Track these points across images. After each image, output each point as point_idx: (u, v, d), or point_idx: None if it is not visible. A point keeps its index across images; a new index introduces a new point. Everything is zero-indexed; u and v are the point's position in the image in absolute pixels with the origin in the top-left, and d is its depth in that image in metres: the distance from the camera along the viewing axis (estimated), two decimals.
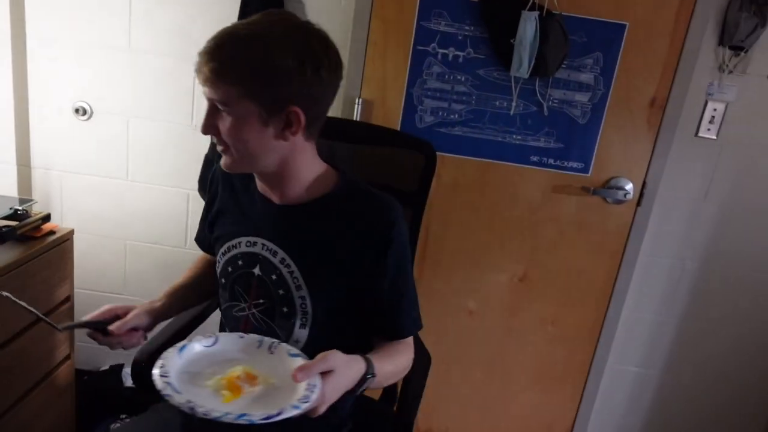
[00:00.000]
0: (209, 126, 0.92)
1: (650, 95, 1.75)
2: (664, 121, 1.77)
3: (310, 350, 0.99)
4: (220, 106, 0.90)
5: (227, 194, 1.10)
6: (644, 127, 1.78)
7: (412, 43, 1.71)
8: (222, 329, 1.18)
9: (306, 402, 0.77)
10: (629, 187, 1.82)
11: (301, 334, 1.02)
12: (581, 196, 1.85)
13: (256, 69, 0.86)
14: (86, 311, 1.97)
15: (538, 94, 1.74)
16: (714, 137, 1.79)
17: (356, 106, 1.76)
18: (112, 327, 1.00)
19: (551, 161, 1.81)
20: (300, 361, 0.86)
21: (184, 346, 0.89)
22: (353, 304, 1.02)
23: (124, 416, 1.79)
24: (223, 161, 0.97)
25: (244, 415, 0.74)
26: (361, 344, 1.00)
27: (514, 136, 1.79)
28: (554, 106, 1.76)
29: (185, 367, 0.86)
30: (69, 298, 1.60)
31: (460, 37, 1.71)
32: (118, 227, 1.91)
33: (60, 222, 1.79)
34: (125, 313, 1.03)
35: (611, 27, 1.69)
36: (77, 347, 1.72)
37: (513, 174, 1.83)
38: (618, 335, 1.98)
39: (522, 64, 1.65)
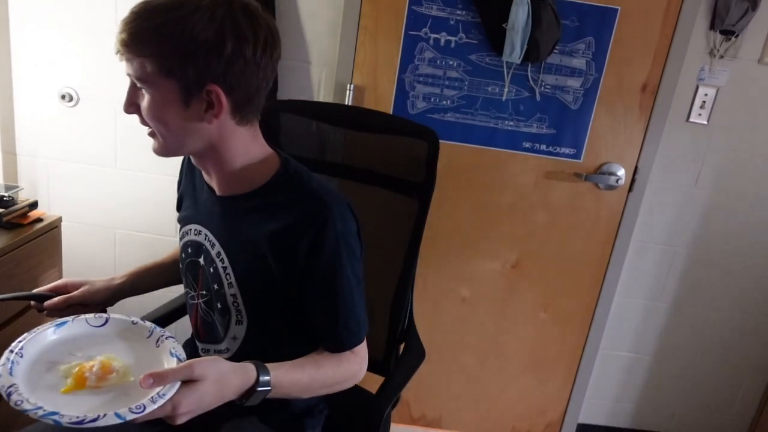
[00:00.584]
0: (130, 104, 0.87)
1: (642, 80, 1.76)
2: (656, 106, 1.77)
3: (248, 348, 0.97)
4: (138, 83, 0.84)
5: (187, 179, 1.07)
6: (636, 113, 1.79)
7: (403, 27, 1.70)
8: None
9: (137, 413, 0.68)
10: (621, 173, 1.82)
11: (238, 330, 0.97)
12: (573, 182, 1.85)
13: (172, 41, 0.79)
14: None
15: (530, 80, 1.74)
16: (705, 122, 1.79)
17: (347, 92, 1.75)
18: (48, 302, 0.97)
19: (543, 147, 1.81)
20: (173, 363, 0.79)
21: (64, 322, 0.83)
22: (288, 306, 0.94)
23: None
24: (152, 145, 0.90)
25: (54, 413, 0.67)
26: (302, 349, 0.93)
27: (507, 122, 1.79)
28: (546, 92, 1.75)
29: (55, 345, 0.80)
30: None
31: (452, 22, 1.69)
32: (107, 216, 1.88)
33: (47, 210, 1.76)
34: (77, 288, 1.00)
35: (603, 11, 1.68)
36: None
37: (505, 160, 1.83)
38: (610, 321, 1.99)
39: (514, 49, 1.64)
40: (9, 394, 0.69)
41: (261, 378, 0.81)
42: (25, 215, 1.44)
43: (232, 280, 0.94)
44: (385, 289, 1.25)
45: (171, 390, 0.71)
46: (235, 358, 0.95)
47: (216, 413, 0.95)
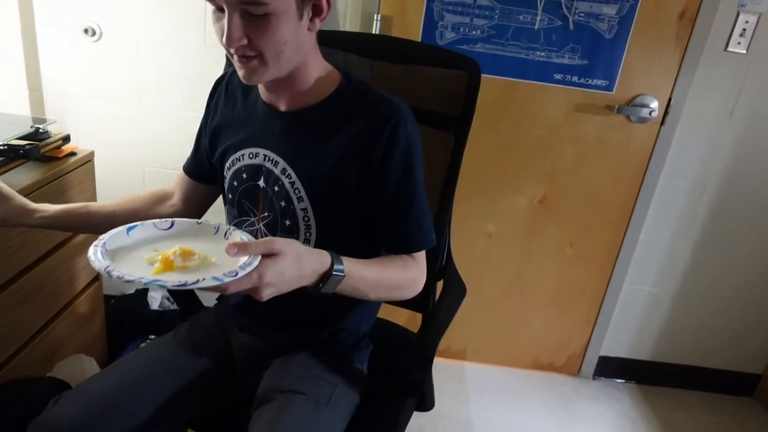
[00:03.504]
0: (241, 36, 0.82)
1: (680, 7, 1.69)
2: (693, 35, 1.71)
3: None
4: (254, 9, 0.80)
5: (228, 108, 1.05)
6: (672, 42, 1.73)
7: None
8: None
9: (232, 276, 0.71)
10: (654, 105, 1.78)
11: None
12: (604, 115, 1.81)
13: None
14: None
15: (564, 7, 1.68)
16: (744, 52, 1.73)
17: (374, 22, 1.70)
18: None
19: (575, 79, 1.77)
20: (190, 223, 0.86)
21: (134, 226, 0.85)
22: (357, 214, 0.95)
23: (152, 336, 1.84)
24: (246, 72, 0.87)
25: (156, 280, 0.72)
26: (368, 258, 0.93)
27: (538, 53, 1.74)
28: (580, 20, 1.70)
29: (130, 245, 0.82)
30: None
31: None
32: (135, 152, 1.89)
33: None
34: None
35: None
36: None
37: (535, 92, 1.79)
38: (635, 256, 2.00)
39: None
40: (110, 272, 0.72)
41: (335, 264, 0.82)
42: (59, 148, 1.44)
43: (303, 194, 0.94)
44: None
45: (255, 260, 0.74)
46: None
47: (269, 351, 1.03)
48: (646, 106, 1.78)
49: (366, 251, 0.94)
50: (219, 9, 0.83)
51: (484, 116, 1.82)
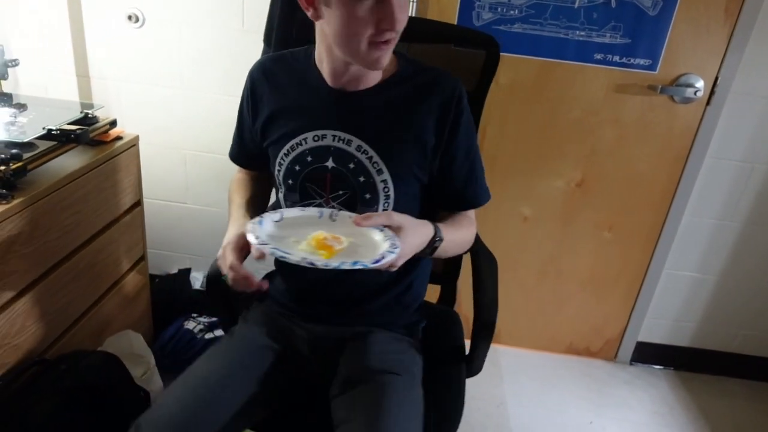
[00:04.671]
0: (400, 18, 0.88)
1: None
2: (744, 9, 1.64)
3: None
4: None
5: (278, 96, 1.05)
6: (721, 18, 1.66)
7: None
8: None
9: (394, 251, 0.83)
10: (700, 84, 1.72)
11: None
12: (647, 96, 1.76)
13: None
14: (154, 218, 2.06)
15: None
16: None
17: (410, 3, 1.69)
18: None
19: (616, 58, 1.72)
20: (327, 212, 0.94)
21: (260, 220, 0.90)
22: (427, 178, 1.04)
23: (195, 315, 1.91)
24: (382, 56, 0.91)
25: (357, 262, 0.80)
26: (429, 218, 1.02)
27: (578, 32, 1.70)
28: None
29: (270, 237, 0.87)
30: (139, 202, 1.67)
31: None
32: (176, 136, 1.94)
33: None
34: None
35: None
36: (148, 253, 1.81)
37: (574, 73, 1.75)
38: (676, 240, 1.95)
39: None
40: (311, 263, 0.79)
41: (438, 232, 0.95)
42: (106, 132, 1.50)
43: (382, 167, 0.99)
44: None
45: (393, 238, 0.85)
46: None
47: (338, 335, 1.08)
48: (691, 85, 1.72)
49: (426, 211, 1.06)
50: (370, 2, 0.85)
51: (521, 98, 1.80)
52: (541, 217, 1.97)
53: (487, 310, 1.11)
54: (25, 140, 1.25)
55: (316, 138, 1.01)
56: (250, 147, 1.13)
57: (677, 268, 2.01)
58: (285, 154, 1.04)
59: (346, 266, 0.79)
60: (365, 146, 0.99)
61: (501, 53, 1.69)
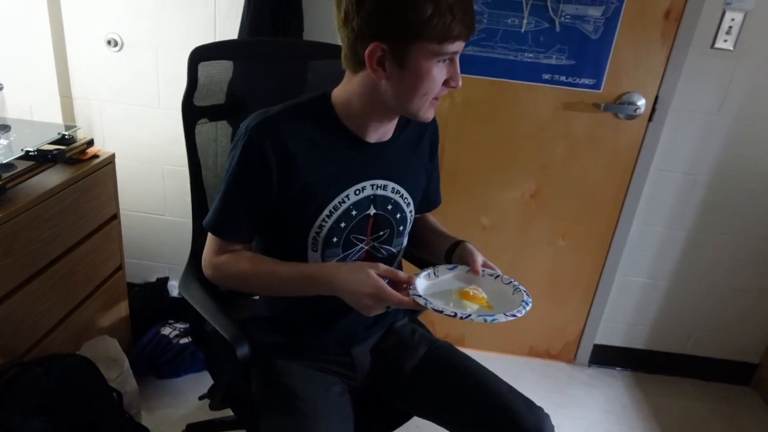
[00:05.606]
0: None
1: (665, 7, 1.74)
2: (679, 33, 1.76)
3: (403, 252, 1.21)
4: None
5: (314, 162, 1.01)
6: (658, 41, 1.78)
7: None
8: None
9: (526, 292, 1.04)
10: (641, 102, 1.84)
11: (404, 240, 1.18)
12: (593, 113, 1.88)
13: None
14: (134, 229, 2.17)
15: (550, 10, 1.75)
16: (731, 48, 1.77)
17: None
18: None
19: (563, 78, 1.84)
20: (462, 268, 1.08)
21: (426, 300, 0.97)
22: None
23: (171, 321, 2.01)
24: (433, 111, 1.02)
25: (526, 302, 0.99)
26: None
27: (527, 54, 1.82)
28: (566, 22, 1.77)
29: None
30: (116, 216, 1.78)
31: None
32: (155, 152, 2.06)
33: (102, 148, 1.95)
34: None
35: None
36: (126, 263, 1.92)
37: (525, 92, 1.87)
38: (627, 248, 2.07)
39: None
40: (434, 308, 0.94)
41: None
42: (83, 152, 1.62)
43: (410, 200, 1.15)
44: None
45: (523, 294, 1.03)
46: (399, 265, 1.21)
47: (374, 342, 1.23)
48: (632, 103, 1.84)
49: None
50: (444, 62, 0.95)
51: (477, 115, 1.92)
52: (499, 226, 2.08)
53: None
54: (4, 162, 1.37)
55: (357, 192, 1.06)
56: (261, 216, 1.04)
57: (629, 274, 2.12)
58: (327, 215, 1.03)
59: (528, 308, 0.97)
60: (397, 187, 1.11)
61: None
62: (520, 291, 1.03)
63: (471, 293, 1.01)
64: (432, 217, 1.33)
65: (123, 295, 1.91)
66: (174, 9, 1.86)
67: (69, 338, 1.62)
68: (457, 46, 0.93)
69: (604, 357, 2.26)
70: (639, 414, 2.05)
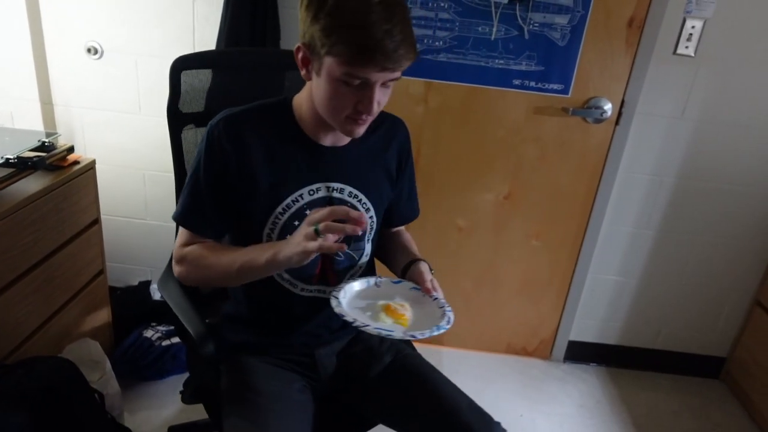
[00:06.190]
0: (377, 105, 0.97)
1: (628, 15, 1.81)
2: (642, 40, 1.83)
3: (370, 260, 1.23)
4: (392, 82, 0.96)
5: (262, 155, 1.05)
6: (622, 48, 1.85)
7: None
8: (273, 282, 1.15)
9: (448, 306, 1.06)
10: (608, 107, 1.91)
11: (368, 248, 1.19)
12: (562, 117, 1.95)
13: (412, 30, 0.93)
14: (116, 234, 2.20)
15: (519, 18, 1.82)
16: (692, 54, 1.85)
17: None
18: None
19: (533, 84, 1.91)
20: (406, 284, 1.12)
21: (339, 302, 1.02)
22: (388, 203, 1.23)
23: (154, 324, 2.04)
24: (359, 128, 1.01)
25: (439, 327, 0.99)
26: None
27: (497, 61, 1.88)
28: (535, 30, 1.83)
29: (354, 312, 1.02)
30: (97, 221, 1.81)
31: None
32: (136, 158, 2.09)
33: (83, 154, 1.98)
34: None
35: None
36: (108, 267, 1.95)
37: (496, 97, 1.93)
38: (598, 247, 2.14)
39: None
40: (340, 312, 0.98)
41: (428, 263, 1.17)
42: (64, 158, 1.65)
43: (370, 206, 1.15)
44: None
45: (440, 293, 1.08)
46: (365, 272, 1.21)
47: (339, 346, 1.24)
48: (599, 107, 1.91)
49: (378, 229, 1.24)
50: (356, 85, 0.93)
51: (451, 120, 1.98)
52: (474, 227, 2.14)
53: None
54: None
55: (311, 192, 1.08)
56: (225, 211, 1.07)
57: (601, 272, 2.19)
58: (281, 212, 1.06)
59: (435, 332, 0.97)
60: (355, 191, 1.12)
61: (430, 80, 1.88)
62: (446, 317, 1.02)
63: (393, 308, 1.03)
64: (406, 234, 1.32)
65: (105, 299, 1.94)
66: (153, 17, 1.89)
67: (51, 342, 1.65)
68: (369, 74, 0.91)
69: (579, 353, 2.33)
70: (612, 408, 2.12)
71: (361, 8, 0.87)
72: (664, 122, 1.95)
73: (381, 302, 1.05)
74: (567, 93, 1.91)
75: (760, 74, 1.86)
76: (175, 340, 1.99)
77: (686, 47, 1.84)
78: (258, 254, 0.99)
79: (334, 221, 0.92)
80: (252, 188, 1.05)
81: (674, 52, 1.85)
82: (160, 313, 2.09)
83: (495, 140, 2.00)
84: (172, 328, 2.02)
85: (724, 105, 1.91)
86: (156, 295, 2.17)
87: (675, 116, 1.93)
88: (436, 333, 0.97)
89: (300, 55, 0.98)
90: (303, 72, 1.00)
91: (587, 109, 1.92)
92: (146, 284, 2.20)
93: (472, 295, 2.26)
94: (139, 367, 1.94)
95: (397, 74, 0.94)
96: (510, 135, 1.99)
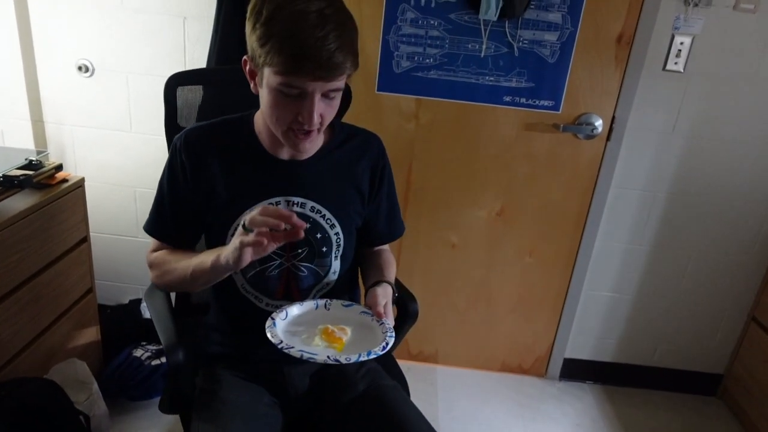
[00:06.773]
0: (319, 115, 0.96)
1: (617, 31, 1.82)
2: (632, 56, 1.84)
3: (341, 274, 1.18)
4: (335, 93, 0.95)
5: (223, 167, 1.07)
6: (612, 64, 1.86)
7: None
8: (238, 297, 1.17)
9: (391, 332, 1.02)
10: (599, 123, 1.91)
11: (336, 264, 1.17)
12: (553, 133, 1.95)
13: (356, 40, 0.93)
14: (106, 251, 2.19)
15: (509, 36, 1.82)
16: (681, 70, 1.85)
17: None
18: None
19: (523, 100, 1.91)
20: (358, 308, 1.09)
21: (273, 323, 1.01)
22: (363, 221, 1.20)
23: (144, 343, 2.02)
24: (306, 145, 1.01)
25: (370, 352, 0.95)
26: (355, 264, 1.24)
27: (487, 78, 1.89)
28: (524, 47, 1.84)
29: (285, 336, 1.00)
30: (86, 239, 1.80)
31: None
32: (127, 175, 2.09)
33: (74, 172, 1.98)
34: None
35: None
36: (99, 285, 1.94)
37: (487, 114, 1.94)
38: (592, 263, 2.12)
39: (490, 7, 1.73)
40: (337, 359, 0.95)
41: (393, 287, 1.14)
42: (51, 177, 1.64)
43: (335, 222, 1.12)
44: None
45: (389, 320, 1.05)
46: (336, 289, 1.18)
47: (313, 368, 1.21)
48: (590, 124, 1.91)
49: (356, 247, 1.23)
50: (294, 95, 0.92)
51: (442, 136, 1.98)
52: (467, 244, 2.13)
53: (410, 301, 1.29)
54: None
55: (270, 205, 1.06)
56: (185, 221, 1.10)
57: (595, 288, 2.17)
58: (241, 225, 1.03)
59: (364, 358, 0.94)
60: (318, 206, 1.10)
61: (421, 96, 1.88)
62: (383, 342, 0.99)
63: (331, 330, 1.01)
64: (386, 254, 1.28)
65: (94, 318, 1.92)
66: (144, 35, 1.90)
67: (38, 361, 1.63)
68: (304, 83, 0.90)
69: (574, 370, 2.30)
70: (609, 427, 2.09)
71: (293, 17, 0.87)
72: (656, 137, 1.95)
73: (321, 326, 1.03)
74: (557, 109, 1.91)
75: (749, 89, 1.87)
76: (165, 359, 1.97)
77: (675, 63, 1.85)
78: (206, 258, 1.01)
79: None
80: (211, 202, 1.08)
81: (664, 68, 1.86)
82: (151, 331, 2.06)
83: (486, 157, 2.00)
84: (162, 347, 2.00)
85: (715, 120, 1.91)
86: (146, 313, 2.15)
87: (666, 131, 1.93)
88: (363, 359, 0.94)
89: (247, 68, 0.99)
90: (252, 85, 1.01)
91: (578, 126, 1.92)
92: (137, 302, 2.18)
93: (466, 313, 2.24)
94: (127, 387, 1.91)
95: (336, 84, 0.93)
96: (501, 151, 1.99)
